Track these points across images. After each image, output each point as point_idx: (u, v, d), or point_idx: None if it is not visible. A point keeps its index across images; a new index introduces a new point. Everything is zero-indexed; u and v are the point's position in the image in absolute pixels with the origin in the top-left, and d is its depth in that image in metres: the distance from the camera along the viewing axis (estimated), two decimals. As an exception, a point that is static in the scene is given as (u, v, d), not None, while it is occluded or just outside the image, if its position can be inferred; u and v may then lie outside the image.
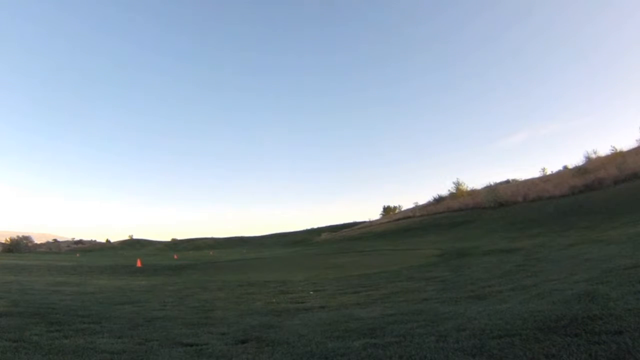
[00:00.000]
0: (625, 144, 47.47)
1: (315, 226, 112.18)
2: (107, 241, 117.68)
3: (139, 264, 26.05)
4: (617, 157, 41.29)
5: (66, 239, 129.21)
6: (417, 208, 69.18)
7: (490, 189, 50.31)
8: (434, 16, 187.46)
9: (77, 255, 59.49)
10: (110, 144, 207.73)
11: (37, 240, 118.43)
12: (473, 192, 57.05)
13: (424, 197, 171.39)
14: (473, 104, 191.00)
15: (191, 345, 4.49)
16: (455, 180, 64.03)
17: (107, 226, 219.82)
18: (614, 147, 46.25)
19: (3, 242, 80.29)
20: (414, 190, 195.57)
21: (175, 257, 45.59)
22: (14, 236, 79.54)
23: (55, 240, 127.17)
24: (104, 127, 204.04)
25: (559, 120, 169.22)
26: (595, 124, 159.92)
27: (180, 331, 5.30)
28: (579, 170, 43.93)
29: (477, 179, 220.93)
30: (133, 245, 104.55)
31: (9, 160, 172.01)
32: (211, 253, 57.43)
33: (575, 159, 72.84)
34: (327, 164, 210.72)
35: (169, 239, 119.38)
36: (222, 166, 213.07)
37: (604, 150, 47.76)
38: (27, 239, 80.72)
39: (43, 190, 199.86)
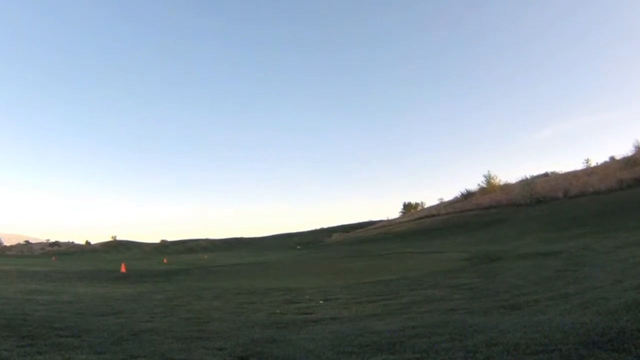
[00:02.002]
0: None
1: (325, 226, 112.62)
2: (87, 243, 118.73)
3: (123, 269, 26.26)
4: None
5: (40, 241, 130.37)
6: (442, 205, 69.19)
7: (526, 183, 50.10)
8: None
9: (53, 259, 60.02)
10: (90, 132, 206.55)
11: (7, 242, 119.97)
12: (506, 187, 56.89)
13: (450, 192, 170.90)
14: (508, 86, 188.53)
15: (183, 362, 4.53)
16: (486, 173, 63.61)
17: (87, 226, 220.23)
18: (668, 134, 45.55)
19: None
20: (439, 185, 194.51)
21: (165, 261, 45.92)
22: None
23: (27, 241, 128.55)
24: (82, 112, 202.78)
25: (605, 107, 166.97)
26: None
27: (171, 346, 5.35)
28: (627, 162, 43.57)
29: (511, 171, 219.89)
30: (116, 247, 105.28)
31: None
32: (206, 257, 57.70)
33: (623, 149, 72.08)
34: (339, 154, 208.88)
35: (157, 241, 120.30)
36: (218, 157, 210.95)
37: (656, 139, 47.12)
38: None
39: (13, 184, 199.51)
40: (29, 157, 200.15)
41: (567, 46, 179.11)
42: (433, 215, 60.70)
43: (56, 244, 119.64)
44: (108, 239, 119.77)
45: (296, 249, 63.24)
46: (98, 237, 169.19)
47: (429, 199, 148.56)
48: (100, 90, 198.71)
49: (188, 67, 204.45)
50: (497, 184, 59.28)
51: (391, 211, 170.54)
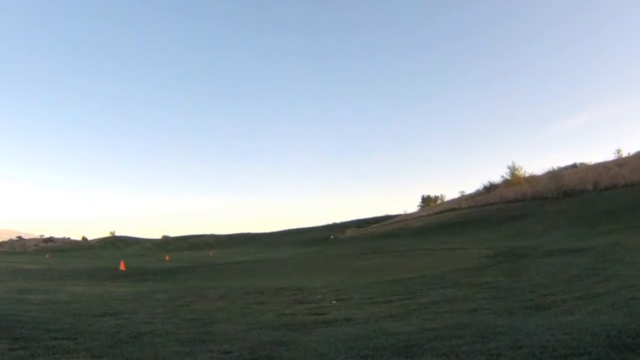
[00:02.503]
0: None
1: (339, 221, 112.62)
2: (84, 239, 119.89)
3: (122, 266, 26.50)
4: None
5: (33, 237, 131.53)
6: (464, 198, 68.87)
7: (553, 175, 49.74)
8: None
9: (47, 256, 60.69)
10: (86, 119, 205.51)
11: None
12: (532, 179, 56.46)
13: (471, 185, 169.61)
14: (535, 73, 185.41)
15: (187, 366, 4.57)
16: (510, 164, 63.20)
17: (84, 221, 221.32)
18: None
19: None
20: (460, 177, 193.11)
21: (167, 258, 46.28)
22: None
23: (19, 237, 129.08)
24: (77, 102, 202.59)
25: (637, 93, 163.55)
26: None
27: (173, 349, 5.39)
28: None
29: (537, 162, 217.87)
30: (115, 243, 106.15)
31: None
32: (211, 254, 58.16)
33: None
34: (354, 144, 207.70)
35: (159, 236, 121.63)
36: (224, 147, 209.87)
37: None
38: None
39: (4, 177, 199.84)
40: (22, 148, 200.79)
41: (597, 28, 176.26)
42: (453, 209, 60.47)
43: (50, 240, 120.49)
44: (106, 234, 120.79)
45: (312, 246, 63.51)
46: (95, 232, 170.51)
47: (449, 191, 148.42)
48: (97, 79, 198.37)
49: (187, 55, 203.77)
50: (522, 176, 58.85)
51: (409, 205, 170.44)
